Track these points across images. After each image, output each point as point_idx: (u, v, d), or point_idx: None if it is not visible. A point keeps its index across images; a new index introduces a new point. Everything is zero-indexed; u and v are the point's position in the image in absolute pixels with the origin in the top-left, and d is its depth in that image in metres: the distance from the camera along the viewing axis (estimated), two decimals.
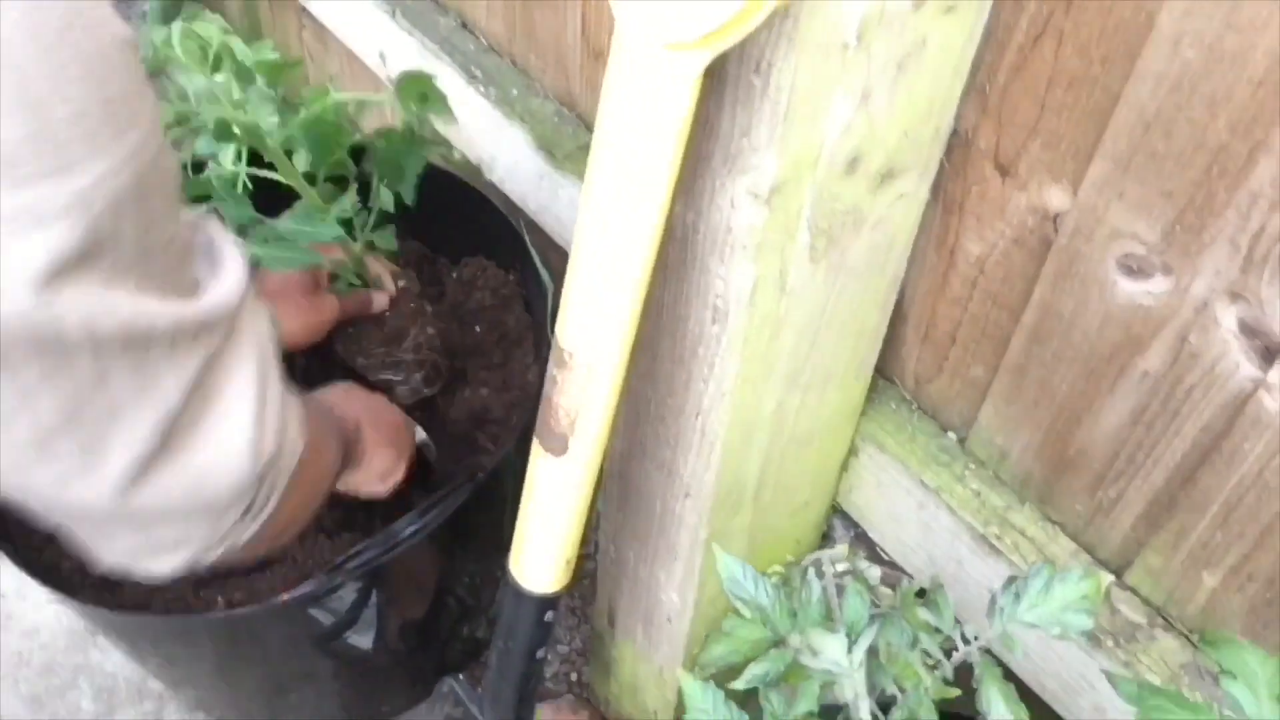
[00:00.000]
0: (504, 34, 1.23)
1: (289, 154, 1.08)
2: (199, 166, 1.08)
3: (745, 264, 0.70)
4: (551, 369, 0.73)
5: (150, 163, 0.50)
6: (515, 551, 0.84)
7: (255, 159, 1.07)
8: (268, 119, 1.05)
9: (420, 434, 1.15)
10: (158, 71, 1.05)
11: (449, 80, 1.24)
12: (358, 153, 1.13)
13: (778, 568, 0.81)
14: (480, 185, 1.31)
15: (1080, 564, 0.85)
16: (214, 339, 0.56)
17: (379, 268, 1.19)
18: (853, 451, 0.97)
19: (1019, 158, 0.74)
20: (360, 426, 0.95)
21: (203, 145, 1.05)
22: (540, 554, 0.82)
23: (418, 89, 1.08)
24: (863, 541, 1.04)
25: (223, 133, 1.02)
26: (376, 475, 1.00)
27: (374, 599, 1.18)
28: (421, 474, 1.15)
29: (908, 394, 0.96)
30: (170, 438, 0.55)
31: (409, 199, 1.14)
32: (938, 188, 0.79)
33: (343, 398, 0.99)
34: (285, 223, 1.05)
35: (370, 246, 1.17)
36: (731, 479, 0.88)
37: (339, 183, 1.16)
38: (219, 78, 1.05)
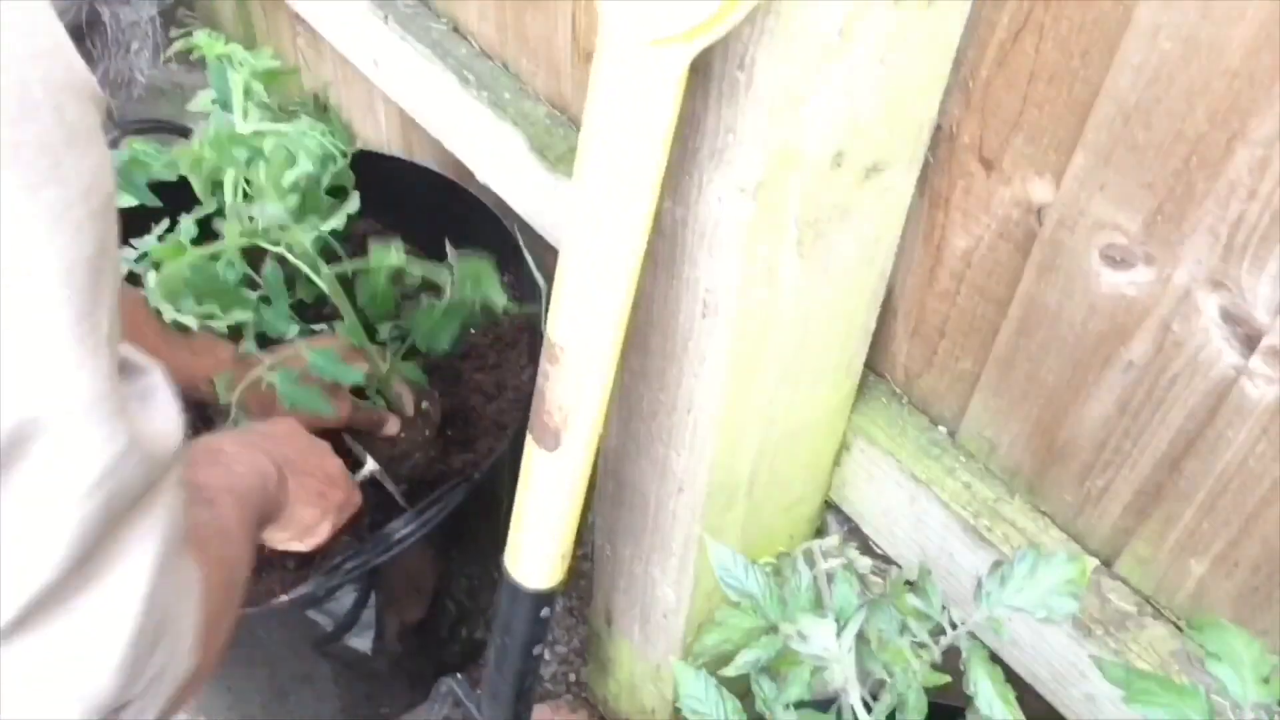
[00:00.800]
0: (495, 38, 1.24)
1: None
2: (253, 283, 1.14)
3: (734, 258, 0.71)
4: (544, 364, 0.74)
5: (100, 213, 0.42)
6: (511, 548, 0.85)
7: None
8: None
9: (370, 466, 1.15)
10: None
11: (442, 84, 1.25)
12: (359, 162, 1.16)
13: (769, 558, 0.81)
14: (473, 188, 1.33)
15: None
16: (125, 485, 0.43)
17: (403, 389, 1.23)
18: (845, 446, 0.98)
19: (1003, 151, 0.75)
20: (286, 478, 0.87)
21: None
22: (536, 550, 0.83)
23: (474, 273, 1.15)
24: (855, 535, 1.05)
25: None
26: (295, 533, 0.92)
27: (372, 601, 1.19)
28: (383, 506, 1.16)
29: (898, 388, 0.97)
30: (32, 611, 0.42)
31: (441, 350, 1.20)
32: (923, 182, 0.80)
33: (281, 437, 0.93)
34: (314, 355, 1.09)
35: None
36: (724, 474, 0.89)
37: (338, 194, 1.18)
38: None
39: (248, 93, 1.18)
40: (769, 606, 0.70)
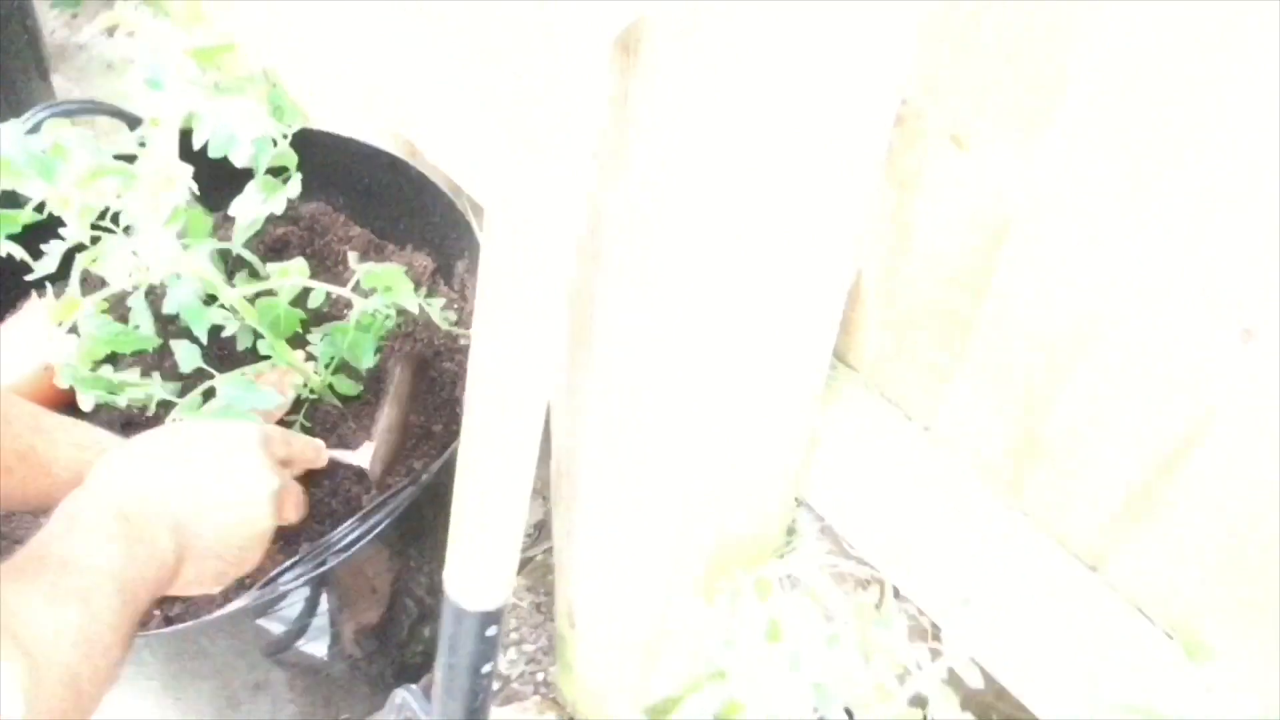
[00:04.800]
0: None
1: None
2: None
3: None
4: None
5: None
6: (450, 566, 0.79)
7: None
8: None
9: (363, 451, 1.10)
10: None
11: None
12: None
13: (728, 582, 0.75)
14: (423, 167, 1.25)
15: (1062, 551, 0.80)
16: None
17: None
18: (815, 442, 0.92)
19: (972, 130, 0.68)
20: (183, 561, 0.76)
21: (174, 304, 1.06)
22: (476, 568, 0.77)
23: (383, 282, 1.10)
24: (829, 535, 0.99)
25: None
26: (196, 583, 0.80)
27: (323, 605, 1.13)
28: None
29: (870, 382, 0.91)
30: None
31: (365, 367, 1.15)
32: (889, 164, 0.74)
33: (174, 484, 0.77)
34: (227, 388, 1.04)
35: (330, 389, 1.17)
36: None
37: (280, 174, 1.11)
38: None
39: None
40: (715, 651, 0.64)
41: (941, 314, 0.79)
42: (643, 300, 0.71)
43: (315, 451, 0.99)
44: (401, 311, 1.15)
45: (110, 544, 0.67)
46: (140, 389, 1.09)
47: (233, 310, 1.09)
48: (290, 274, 1.07)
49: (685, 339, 0.71)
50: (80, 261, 1.04)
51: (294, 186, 1.13)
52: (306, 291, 1.10)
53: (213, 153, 1.07)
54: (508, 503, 0.71)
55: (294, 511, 0.89)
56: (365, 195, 1.31)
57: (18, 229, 1.01)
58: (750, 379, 0.78)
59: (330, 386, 1.16)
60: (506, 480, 0.70)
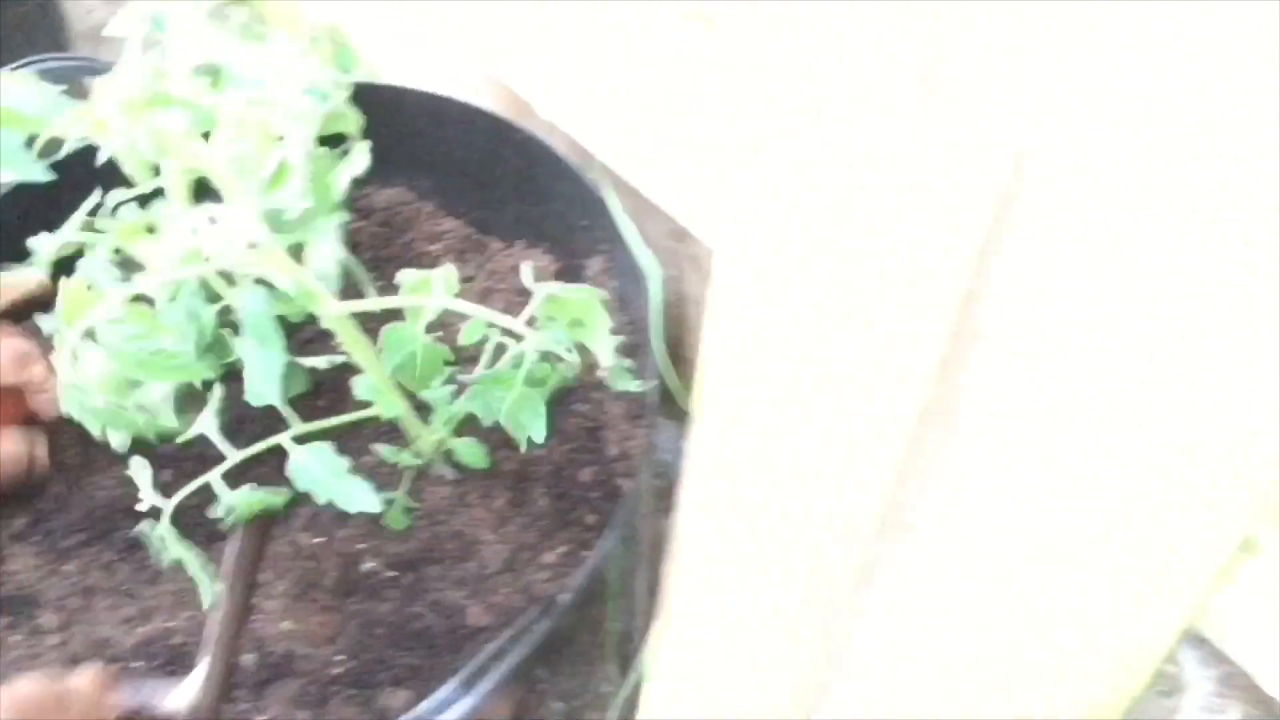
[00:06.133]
0: None
1: None
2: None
3: None
4: None
5: None
6: None
7: None
8: None
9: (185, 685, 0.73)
10: None
11: None
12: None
13: None
14: (538, 130, 0.89)
15: None
16: None
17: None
18: (1248, 545, 0.52)
19: None
20: None
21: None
22: None
23: (570, 312, 0.72)
24: (1233, 685, 0.60)
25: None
26: None
27: None
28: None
29: None
30: None
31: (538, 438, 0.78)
32: None
33: None
34: (310, 460, 0.74)
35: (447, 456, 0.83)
36: None
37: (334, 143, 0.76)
38: None
39: None
40: None
41: None
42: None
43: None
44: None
45: None
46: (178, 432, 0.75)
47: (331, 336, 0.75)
48: (433, 289, 0.71)
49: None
50: (111, 229, 0.71)
51: (360, 160, 0.78)
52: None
53: None
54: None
55: None
56: (458, 173, 0.94)
57: None
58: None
59: (447, 453, 0.81)
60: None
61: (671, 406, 0.90)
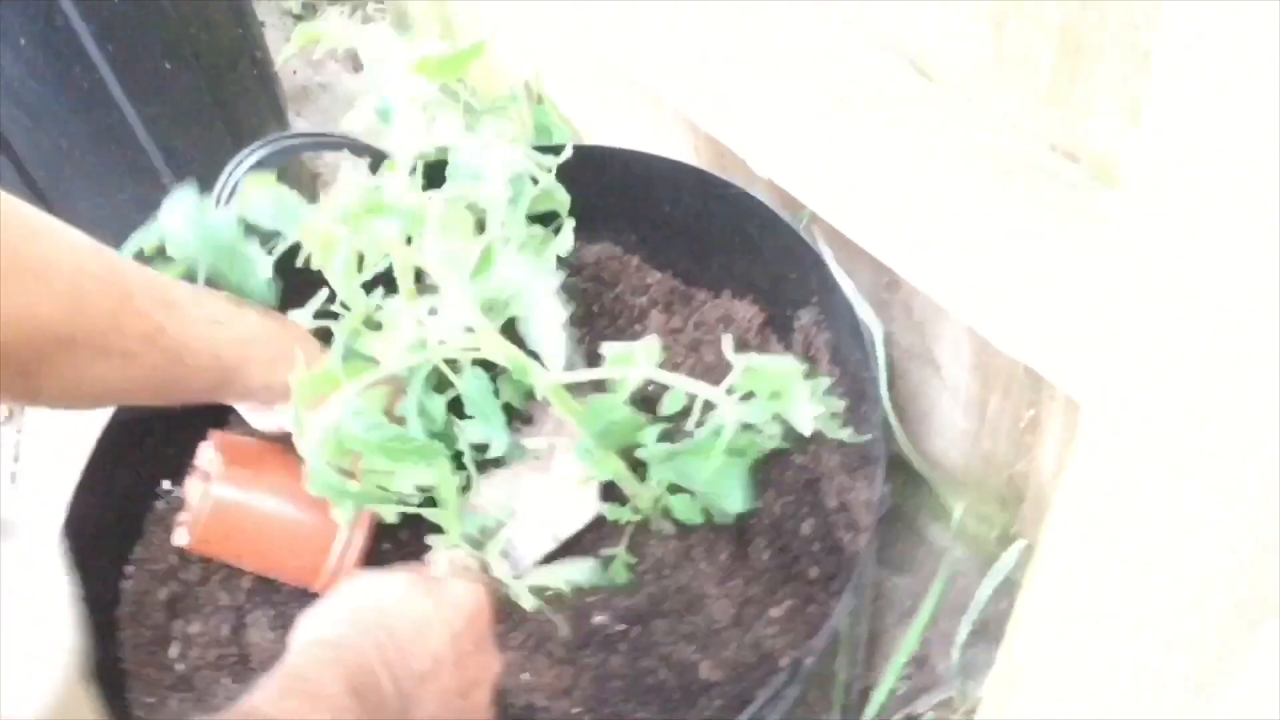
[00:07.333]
0: None
1: None
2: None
3: None
4: None
5: None
6: None
7: None
8: None
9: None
10: None
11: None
12: None
13: None
14: (744, 183, 0.90)
15: None
16: None
17: None
18: None
19: None
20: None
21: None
22: None
23: (768, 385, 0.73)
24: None
25: None
26: None
27: None
28: None
29: None
30: None
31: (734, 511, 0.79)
32: None
33: (402, 656, 0.63)
34: None
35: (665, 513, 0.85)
36: None
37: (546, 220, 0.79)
38: None
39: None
40: None
41: None
42: None
43: None
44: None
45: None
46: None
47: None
48: (637, 361, 0.73)
49: None
50: (342, 330, 0.76)
51: (565, 240, 0.81)
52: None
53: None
54: None
55: None
56: (663, 227, 0.96)
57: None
58: None
59: (665, 510, 0.83)
60: None
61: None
